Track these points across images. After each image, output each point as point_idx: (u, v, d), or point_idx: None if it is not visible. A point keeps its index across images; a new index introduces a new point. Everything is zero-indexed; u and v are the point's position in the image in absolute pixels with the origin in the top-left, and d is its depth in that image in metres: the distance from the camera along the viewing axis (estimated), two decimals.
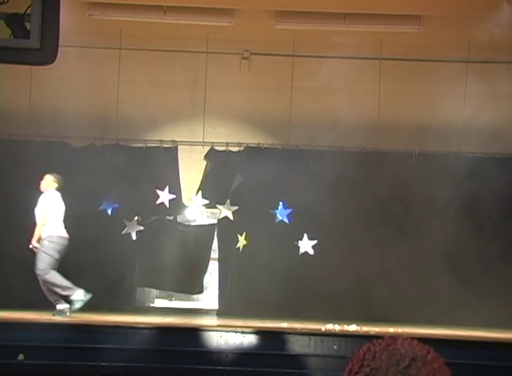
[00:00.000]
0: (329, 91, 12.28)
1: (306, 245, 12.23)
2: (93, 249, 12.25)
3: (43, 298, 11.68)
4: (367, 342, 1.95)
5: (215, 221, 12.74)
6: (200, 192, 12.45)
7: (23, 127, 12.28)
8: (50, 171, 10.60)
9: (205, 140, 12.71)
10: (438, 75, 12.31)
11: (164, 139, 12.71)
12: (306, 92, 12.61)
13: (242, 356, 8.58)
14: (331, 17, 11.64)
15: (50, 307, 10.68)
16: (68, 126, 12.08)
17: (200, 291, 12.87)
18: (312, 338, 8.69)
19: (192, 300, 13.39)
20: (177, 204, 12.56)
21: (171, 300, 13.77)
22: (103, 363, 8.47)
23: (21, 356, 8.41)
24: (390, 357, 1.87)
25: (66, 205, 12.19)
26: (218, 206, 12.44)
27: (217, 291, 12.83)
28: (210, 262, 12.79)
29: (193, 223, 13.06)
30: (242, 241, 12.32)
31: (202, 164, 12.74)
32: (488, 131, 12.08)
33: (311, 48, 12.36)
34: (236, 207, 12.36)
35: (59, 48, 5.75)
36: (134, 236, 12.32)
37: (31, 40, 5.68)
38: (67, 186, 12.20)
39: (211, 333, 8.71)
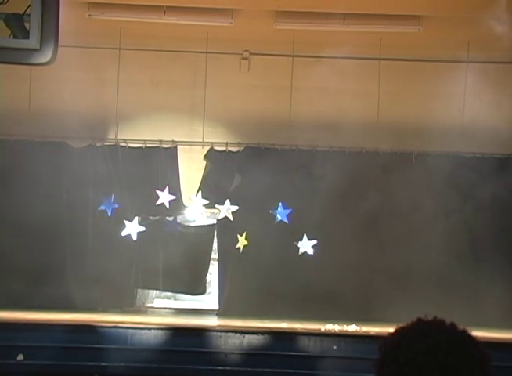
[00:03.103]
0: (329, 91, 12.28)
1: (306, 245, 12.22)
2: (93, 250, 12.25)
3: (43, 298, 11.71)
4: (398, 326, 1.81)
5: (215, 221, 12.74)
6: (200, 192, 12.44)
7: (23, 127, 12.28)
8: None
9: (205, 140, 12.71)
10: (437, 75, 12.30)
11: (164, 139, 12.71)
12: (306, 92, 12.60)
13: (242, 356, 8.58)
14: (331, 17, 11.63)
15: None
16: (68, 126, 12.08)
17: (203, 292, 12.88)
18: (312, 338, 8.70)
19: (193, 300, 13.38)
20: (177, 205, 12.55)
21: (174, 299, 13.76)
22: (103, 363, 8.47)
23: (21, 356, 8.41)
24: (427, 345, 1.74)
25: (66, 205, 12.24)
26: (217, 206, 12.43)
27: (217, 292, 12.83)
28: (211, 262, 12.79)
29: (193, 224, 13.04)
30: (242, 241, 12.30)
31: (202, 164, 12.74)
32: (488, 132, 12.08)
33: (310, 49, 12.35)
34: (236, 208, 12.35)
35: (59, 49, 5.76)
36: (134, 237, 12.32)
37: (31, 40, 5.69)
38: (67, 186, 12.24)
39: (211, 333, 8.72)
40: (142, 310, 12.77)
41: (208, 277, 13.03)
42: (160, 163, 12.65)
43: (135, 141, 12.74)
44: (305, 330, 9.05)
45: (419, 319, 1.81)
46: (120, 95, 12.49)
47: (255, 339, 8.67)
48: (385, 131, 12.45)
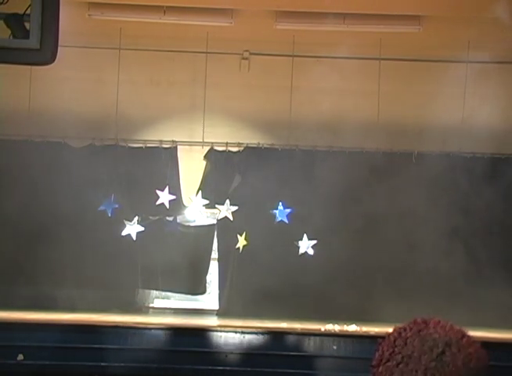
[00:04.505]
0: (329, 91, 12.27)
1: (306, 245, 12.22)
2: (93, 249, 12.25)
3: (42, 299, 11.71)
4: (396, 327, 1.82)
5: (215, 221, 12.74)
6: (200, 192, 12.45)
7: (23, 127, 12.27)
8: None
9: (205, 140, 12.72)
10: (437, 75, 12.30)
11: (164, 139, 12.71)
12: (306, 92, 12.60)
13: (242, 356, 8.58)
14: (331, 17, 11.63)
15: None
16: (68, 126, 12.08)
17: (203, 292, 12.88)
18: (312, 338, 8.70)
19: (193, 300, 13.38)
20: (177, 205, 12.56)
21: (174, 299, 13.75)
22: (103, 363, 8.47)
23: (21, 356, 8.41)
24: (422, 343, 1.75)
25: (66, 205, 12.23)
26: (217, 206, 12.44)
27: (217, 292, 12.83)
28: (211, 262, 12.79)
29: (193, 224, 13.05)
30: (242, 241, 12.32)
31: (202, 164, 12.74)
32: (488, 132, 12.08)
33: (310, 49, 12.35)
34: (236, 208, 12.36)
35: (59, 49, 5.75)
36: (134, 237, 12.32)
37: (31, 40, 5.68)
38: (67, 186, 12.23)
39: (211, 333, 8.71)
40: (142, 310, 12.77)
41: (208, 277, 13.03)
42: (160, 163, 12.65)
43: (135, 141, 12.75)
44: (305, 330, 9.05)
45: (415, 319, 1.82)
46: (120, 95, 12.49)
47: (255, 339, 8.67)
48: (385, 131, 12.45)
